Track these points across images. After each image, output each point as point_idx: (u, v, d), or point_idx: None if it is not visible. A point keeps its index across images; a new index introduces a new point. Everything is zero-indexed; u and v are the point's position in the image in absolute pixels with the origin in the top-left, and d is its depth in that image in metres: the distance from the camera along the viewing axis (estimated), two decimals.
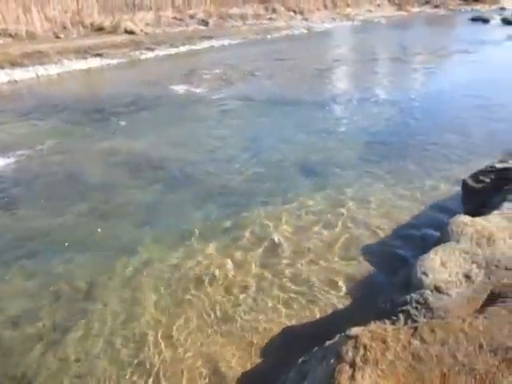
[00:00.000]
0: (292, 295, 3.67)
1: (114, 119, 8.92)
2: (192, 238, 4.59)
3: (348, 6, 35.35)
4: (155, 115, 9.31)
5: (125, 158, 6.85)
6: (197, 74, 13.75)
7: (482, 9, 39.98)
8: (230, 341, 3.23)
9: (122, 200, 5.51)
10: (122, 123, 8.65)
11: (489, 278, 2.82)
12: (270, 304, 3.57)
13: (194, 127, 8.39)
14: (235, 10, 26.87)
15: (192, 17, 24.05)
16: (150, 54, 17.66)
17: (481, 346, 2.07)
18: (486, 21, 28.97)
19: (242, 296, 3.69)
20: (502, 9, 41.02)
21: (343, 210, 5.05)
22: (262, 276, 3.93)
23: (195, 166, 6.49)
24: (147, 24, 21.51)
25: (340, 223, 4.76)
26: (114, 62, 16.13)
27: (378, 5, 39.13)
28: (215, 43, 20.38)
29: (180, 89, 11.67)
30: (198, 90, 11.46)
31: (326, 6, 33.76)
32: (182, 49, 18.91)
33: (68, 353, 3.16)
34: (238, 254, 4.27)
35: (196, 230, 4.71)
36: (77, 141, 7.70)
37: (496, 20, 29.07)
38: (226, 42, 20.74)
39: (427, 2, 44.41)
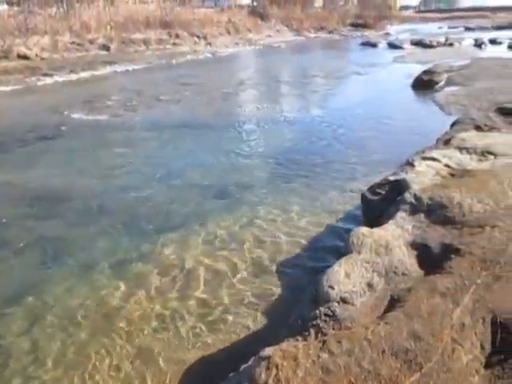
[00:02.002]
0: (207, 321, 3.61)
1: (7, 150, 8.28)
2: (100, 272, 4.36)
3: (249, 31, 36.76)
4: (55, 145, 8.81)
5: (21, 192, 6.36)
6: (100, 100, 13.31)
7: (370, 34, 43.81)
8: (144, 376, 3.09)
9: (20, 237, 5.08)
10: (17, 154, 8.06)
11: (388, 285, 3.02)
12: (184, 333, 3.48)
13: (99, 156, 8.06)
14: (137, 36, 26.63)
15: (92, 42, 23.39)
16: (49, 80, 16.81)
17: (383, 352, 2.19)
18: (374, 45, 31.72)
19: (155, 328, 3.56)
20: (388, 34, 45.36)
21: (255, 229, 5.12)
22: (174, 305, 3.82)
23: (101, 196, 6.22)
24: (43, 49, 20.49)
25: (252, 242, 4.82)
26: (8, 89, 15.11)
27: (278, 30, 41.23)
28: (118, 68, 19.96)
29: (82, 116, 11.19)
30: (101, 117, 11.08)
31: (228, 32, 34.79)
32: (83, 74, 18.26)
33: None
34: (149, 284, 4.13)
35: (104, 263, 4.48)
36: None
37: (383, 44, 31.94)
38: (129, 67, 20.41)
39: (322, 28, 47.74)
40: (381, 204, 4.54)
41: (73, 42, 22.83)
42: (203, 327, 3.54)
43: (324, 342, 2.24)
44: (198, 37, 31.04)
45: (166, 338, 3.44)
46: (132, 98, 13.40)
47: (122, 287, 4.10)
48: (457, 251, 3.18)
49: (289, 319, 3.13)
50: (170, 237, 4.99)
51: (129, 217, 5.55)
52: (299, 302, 3.19)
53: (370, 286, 2.97)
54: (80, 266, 4.47)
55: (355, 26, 55.22)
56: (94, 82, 17.33)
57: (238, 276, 4.21)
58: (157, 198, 6.09)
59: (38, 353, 3.33)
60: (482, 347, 2.41)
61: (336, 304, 2.79)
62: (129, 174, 7.07)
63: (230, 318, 3.63)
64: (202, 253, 4.65)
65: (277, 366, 2.09)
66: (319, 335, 2.60)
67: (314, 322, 2.71)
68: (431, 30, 52.28)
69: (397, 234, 3.53)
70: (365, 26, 54.59)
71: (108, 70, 19.63)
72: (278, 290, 3.96)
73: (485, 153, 5.19)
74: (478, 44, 28.63)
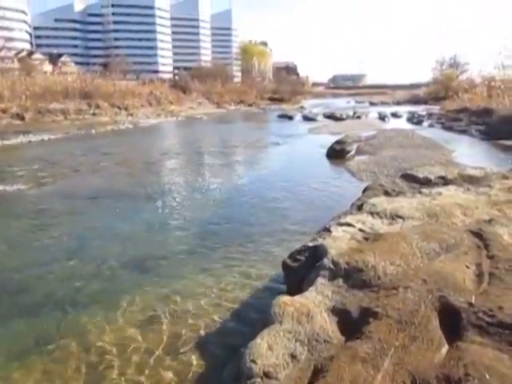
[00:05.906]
0: None
1: None
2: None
3: (171, 103, 37.70)
4: None
5: None
6: (9, 170, 12.58)
7: (286, 108, 46.91)
8: None
9: None
10: None
11: (312, 354, 2.97)
12: None
13: (6, 230, 7.45)
14: (55, 105, 26.12)
15: (4, 111, 22.51)
16: None
17: None
18: (290, 117, 33.88)
19: None
20: (302, 107, 48.86)
21: (175, 303, 4.88)
22: None
23: (8, 272, 5.66)
24: None
25: (171, 317, 4.57)
26: None
27: (199, 103, 42.76)
28: (33, 138, 19.26)
29: None
30: (11, 188, 10.40)
31: (150, 103, 35.38)
32: None
33: None
34: (52, 374, 3.70)
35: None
36: None
37: (298, 117, 34.23)
38: (45, 136, 19.78)
39: (242, 101, 50.39)
40: (301, 270, 4.57)
41: None
42: None
43: None
44: (119, 107, 31.13)
45: None
46: (47, 169, 12.82)
47: (17, 376, 3.64)
48: (374, 314, 3.24)
49: None
50: (82, 316, 4.59)
51: (34, 295, 5.06)
52: (221, 381, 3.01)
53: (293, 356, 2.90)
54: None
55: (272, 99, 59.23)
56: (6, 151, 16.47)
57: (156, 355, 3.92)
58: (67, 273, 5.66)
59: None
60: None
61: (259, 380, 2.67)
62: (39, 248, 6.55)
63: None
64: (118, 332, 4.31)
65: None
66: None
67: None
68: (340, 104, 57.26)
69: (317, 301, 3.54)
70: (281, 100, 58.69)
71: (22, 139, 18.84)
72: (198, 369, 3.72)
73: (394, 216, 5.53)
74: (382, 117, 31.73)
